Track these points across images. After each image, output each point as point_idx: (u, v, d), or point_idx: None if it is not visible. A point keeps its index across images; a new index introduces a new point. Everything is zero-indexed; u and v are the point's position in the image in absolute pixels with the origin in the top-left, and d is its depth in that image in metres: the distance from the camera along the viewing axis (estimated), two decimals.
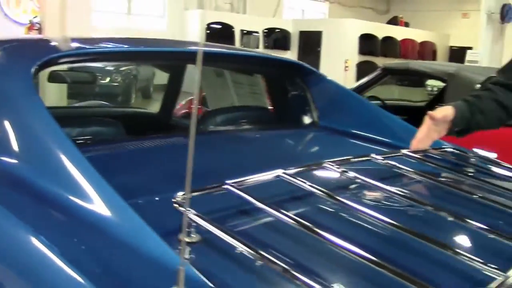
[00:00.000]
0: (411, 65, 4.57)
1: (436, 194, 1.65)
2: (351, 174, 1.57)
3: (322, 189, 1.39)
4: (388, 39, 18.05)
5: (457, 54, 16.75)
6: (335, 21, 17.94)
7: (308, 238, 1.15)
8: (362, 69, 15.36)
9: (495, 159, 2.22)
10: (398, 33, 18.66)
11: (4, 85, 1.59)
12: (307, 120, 2.62)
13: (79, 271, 1.04)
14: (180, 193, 1.18)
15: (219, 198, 1.31)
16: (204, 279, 0.99)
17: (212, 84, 3.41)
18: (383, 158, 1.81)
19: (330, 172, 1.61)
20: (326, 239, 1.12)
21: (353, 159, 1.76)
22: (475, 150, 2.27)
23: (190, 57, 2.60)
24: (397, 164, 1.75)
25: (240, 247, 1.07)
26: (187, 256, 1.06)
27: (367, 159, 1.80)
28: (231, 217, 1.32)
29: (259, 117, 2.70)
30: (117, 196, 1.14)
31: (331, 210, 1.42)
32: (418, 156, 1.87)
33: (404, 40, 18.69)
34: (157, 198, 1.42)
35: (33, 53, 1.83)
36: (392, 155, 1.91)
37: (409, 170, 1.70)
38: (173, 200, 1.17)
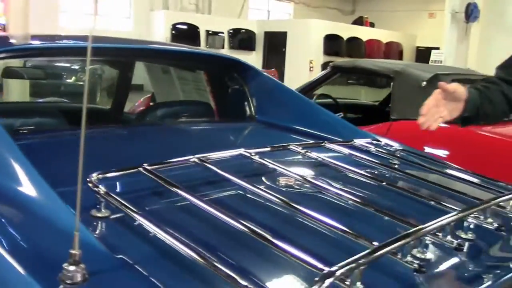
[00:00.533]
0: (358, 63, 4.68)
1: (338, 179, 1.76)
2: (265, 161, 1.66)
3: (231, 175, 1.49)
4: (353, 40, 18.26)
5: (424, 54, 16.96)
6: (299, 22, 18.10)
7: (211, 218, 1.25)
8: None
9: (420, 152, 2.34)
10: (363, 33, 18.88)
11: None
12: (245, 114, 2.71)
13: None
14: (94, 174, 1.28)
15: (136, 180, 1.41)
16: (101, 245, 1.08)
17: (159, 81, 3.50)
18: (302, 148, 1.91)
19: (246, 159, 1.70)
20: (228, 219, 1.22)
21: (272, 148, 1.85)
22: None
23: (134, 53, 2.68)
24: (314, 154, 1.85)
25: (145, 224, 1.18)
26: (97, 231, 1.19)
27: (287, 149, 1.90)
28: (142, 197, 1.42)
29: (199, 111, 2.79)
30: (39, 177, 1.24)
31: (235, 193, 1.52)
32: (336, 147, 1.98)
33: (370, 41, 18.90)
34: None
35: None
36: (312, 145, 2.01)
37: (321, 159, 1.81)
38: (87, 179, 1.26)
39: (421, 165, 2.00)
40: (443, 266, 1.34)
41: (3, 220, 1.23)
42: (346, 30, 18.21)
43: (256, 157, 1.71)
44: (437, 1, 18.07)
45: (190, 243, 1.11)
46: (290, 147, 1.89)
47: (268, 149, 1.82)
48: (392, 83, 4.17)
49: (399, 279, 1.24)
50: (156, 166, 1.47)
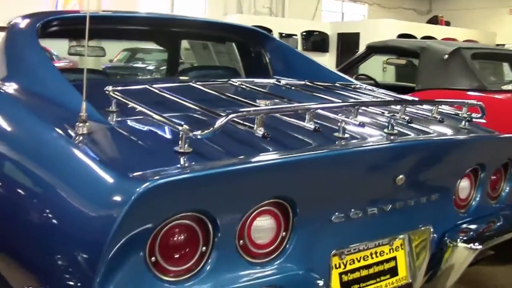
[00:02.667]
0: (389, 42, 5.21)
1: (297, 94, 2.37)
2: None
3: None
4: (427, 39, 18.31)
5: None
6: (372, 22, 18.33)
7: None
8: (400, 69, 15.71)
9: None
10: (438, 32, 18.83)
11: (18, 34, 2.39)
12: (265, 74, 3.34)
13: None
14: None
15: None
16: (100, 115, 1.76)
17: (201, 55, 4.20)
18: (286, 83, 2.53)
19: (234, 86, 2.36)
20: None
21: (258, 81, 2.48)
22: None
23: (177, 24, 3.35)
24: (292, 87, 2.48)
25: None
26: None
27: (273, 83, 2.53)
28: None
29: (229, 73, 3.43)
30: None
31: None
32: (316, 85, 2.59)
33: (445, 39, 18.87)
34: None
35: (42, 15, 2.63)
36: (296, 82, 2.62)
37: (293, 89, 2.44)
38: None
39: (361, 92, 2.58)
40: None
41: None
42: (420, 29, 18.26)
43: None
44: None
45: None
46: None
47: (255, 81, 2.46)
48: (418, 59, 4.65)
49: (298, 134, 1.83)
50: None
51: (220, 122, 1.60)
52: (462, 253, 2.25)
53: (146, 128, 1.82)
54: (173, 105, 1.92)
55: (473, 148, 2.31)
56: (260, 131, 1.66)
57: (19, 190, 1.75)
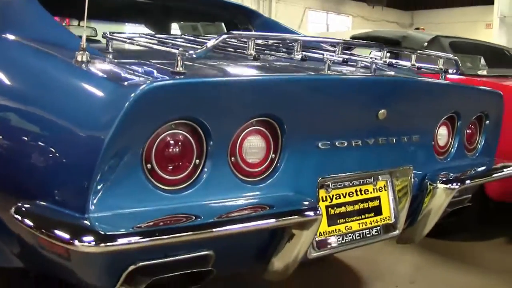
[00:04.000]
0: (371, 33, 5.37)
1: None
2: None
3: None
4: None
5: None
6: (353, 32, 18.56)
7: None
8: None
9: None
10: None
11: None
12: None
13: None
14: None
15: None
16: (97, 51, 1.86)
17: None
18: None
19: None
20: None
21: None
22: None
23: None
24: None
25: None
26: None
27: None
28: None
29: None
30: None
31: None
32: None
33: None
34: None
35: None
36: None
37: None
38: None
39: None
40: None
41: None
42: None
43: None
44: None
45: None
46: None
47: None
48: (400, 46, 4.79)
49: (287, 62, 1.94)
50: None
51: (213, 41, 1.71)
52: (441, 194, 2.36)
53: (142, 57, 1.93)
54: (166, 43, 2.03)
55: (450, 93, 2.44)
56: (251, 53, 1.77)
57: (22, 106, 1.84)
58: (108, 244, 1.43)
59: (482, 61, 4.86)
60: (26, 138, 1.75)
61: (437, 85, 2.38)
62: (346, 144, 2.04)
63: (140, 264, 1.62)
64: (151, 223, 1.54)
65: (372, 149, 2.14)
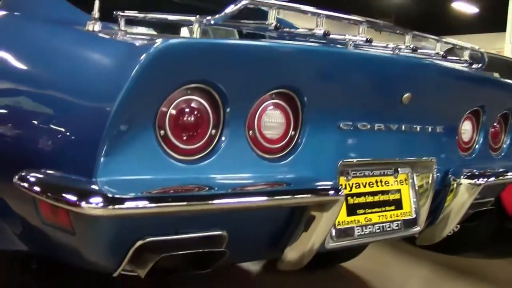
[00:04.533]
0: None
1: None
2: None
3: None
4: None
5: None
6: None
7: None
8: None
9: None
10: None
11: None
12: None
13: None
14: None
15: None
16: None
17: None
18: None
19: None
20: None
21: None
22: None
23: None
24: None
25: None
26: None
27: None
28: None
29: None
30: None
31: None
32: None
33: None
34: None
35: None
36: None
37: None
38: None
39: None
40: None
41: None
42: None
43: None
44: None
45: None
46: None
47: None
48: None
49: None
50: None
51: (232, 7, 1.60)
52: (465, 191, 2.24)
53: (156, 30, 1.83)
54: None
55: (477, 84, 2.33)
56: (272, 22, 1.67)
57: (30, 71, 1.75)
58: (116, 207, 1.31)
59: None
60: (32, 103, 1.64)
61: (465, 74, 2.27)
62: (368, 127, 1.93)
63: (149, 239, 1.50)
64: (162, 190, 1.42)
65: (394, 135, 2.03)
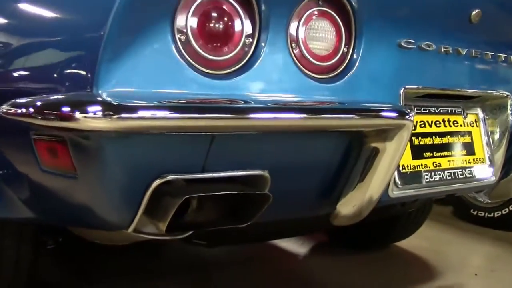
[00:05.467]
0: None
1: None
2: None
3: None
4: None
5: None
6: None
7: None
8: None
9: None
10: None
11: None
12: None
13: None
14: None
15: None
16: None
17: None
18: None
19: None
20: None
21: None
22: None
23: None
24: None
25: None
26: None
27: None
28: None
29: None
30: None
31: None
32: None
33: None
34: None
35: None
36: None
37: None
38: None
39: None
40: None
41: None
42: None
43: None
44: None
45: None
46: None
47: None
48: None
49: None
50: None
51: None
52: None
53: None
54: None
55: None
56: None
57: None
58: (123, 116, 0.99)
59: None
60: None
61: None
62: (433, 47, 1.59)
63: (169, 177, 1.17)
64: (185, 101, 1.10)
65: (463, 60, 1.69)
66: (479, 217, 3.51)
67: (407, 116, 1.35)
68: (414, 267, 2.88)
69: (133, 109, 1.03)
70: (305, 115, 1.20)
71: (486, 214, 3.48)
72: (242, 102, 1.17)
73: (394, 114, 1.34)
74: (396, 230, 2.91)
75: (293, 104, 1.24)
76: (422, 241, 3.12)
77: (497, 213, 3.43)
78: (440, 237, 3.35)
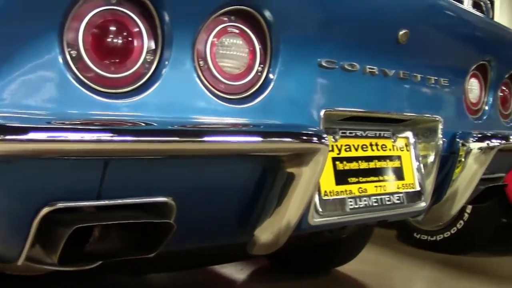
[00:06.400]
0: None
1: None
2: None
3: None
4: None
5: None
6: None
7: None
8: None
9: None
10: None
11: None
12: None
13: None
14: None
15: None
16: None
17: None
18: None
19: None
20: None
21: None
22: None
23: None
24: None
25: None
26: None
27: None
28: None
29: None
30: None
31: None
32: None
33: None
34: None
35: None
36: None
37: None
38: None
39: None
40: None
41: None
42: None
43: None
44: None
45: None
46: None
47: None
48: None
49: None
50: None
51: None
52: (477, 157, 1.83)
53: None
54: None
55: (482, 29, 1.94)
56: None
57: None
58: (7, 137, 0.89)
59: None
60: None
61: (469, 14, 1.87)
62: (358, 68, 1.51)
63: (60, 205, 1.06)
64: (77, 122, 0.99)
65: (391, 82, 1.62)
66: (422, 241, 3.49)
67: (322, 140, 1.27)
68: None
69: (13, 131, 0.92)
70: (195, 139, 1.11)
71: (429, 237, 3.46)
72: (131, 124, 1.07)
73: (307, 138, 1.26)
74: (337, 255, 2.85)
75: (189, 127, 1.14)
76: (365, 266, 3.08)
77: (439, 237, 3.41)
78: (383, 261, 3.31)
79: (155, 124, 1.09)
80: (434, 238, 3.42)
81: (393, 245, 3.58)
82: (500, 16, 12.21)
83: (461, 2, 1.97)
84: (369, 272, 3.03)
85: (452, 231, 3.35)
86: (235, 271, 2.96)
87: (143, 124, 1.08)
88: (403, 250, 3.48)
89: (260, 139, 1.20)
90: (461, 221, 3.31)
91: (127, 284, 2.65)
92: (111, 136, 1.01)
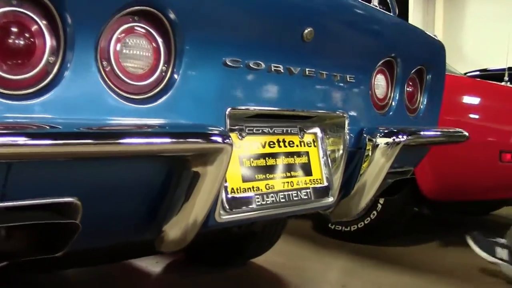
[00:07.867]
0: None
1: None
2: None
3: None
4: None
5: None
6: None
7: None
8: None
9: None
10: None
11: None
12: None
13: None
14: None
15: None
16: None
17: None
18: None
19: None
20: None
21: None
22: None
23: None
24: None
25: None
26: None
27: None
28: None
29: None
30: None
31: None
32: None
33: None
34: None
35: None
36: None
37: None
38: None
39: None
40: None
41: None
42: None
43: None
44: None
45: None
46: None
47: None
48: None
49: None
50: None
51: None
52: (383, 151, 1.89)
53: None
54: None
55: (387, 28, 2.00)
56: None
57: None
58: None
59: None
60: None
61: (373, 11, 1.93)
62: (263, 66, 1.54)
63: None
64: None
65: (297, 80, 1.65)
66: (337, 231, 3.57)
67: (226, 140, 1.28)
68: (270, 284, 2.87)
69: None
70: (98, 141, 1.10)
71: (343, 228, 3.54)
72: (35, 127, 1.05)
73: (210, 138, 1.26)
74: (251, 247, 2.88)
75: (93, 129, 1.13)
76: (280, 257, 3.13)
77: (353, 227, 3.50)
78: (298, 252, 3.37)
79: (59, 127, 1.08)
80: (348, 229, 3.50)
81: (309, 235, 3.64)
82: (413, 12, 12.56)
83: (368, 0, 2.02)
84: (284, 263, 3.07)
85: (366, 222, 3.43)
86: (151, 264, 2.96)
87: (46, 127, 1.07)
88: (319, 240, 3.54)
89: (163, 140, 1.20)
90: (375, 212, 3.40)
91: (42, 281, 2.59)
92: (14, 141, 0.99)
